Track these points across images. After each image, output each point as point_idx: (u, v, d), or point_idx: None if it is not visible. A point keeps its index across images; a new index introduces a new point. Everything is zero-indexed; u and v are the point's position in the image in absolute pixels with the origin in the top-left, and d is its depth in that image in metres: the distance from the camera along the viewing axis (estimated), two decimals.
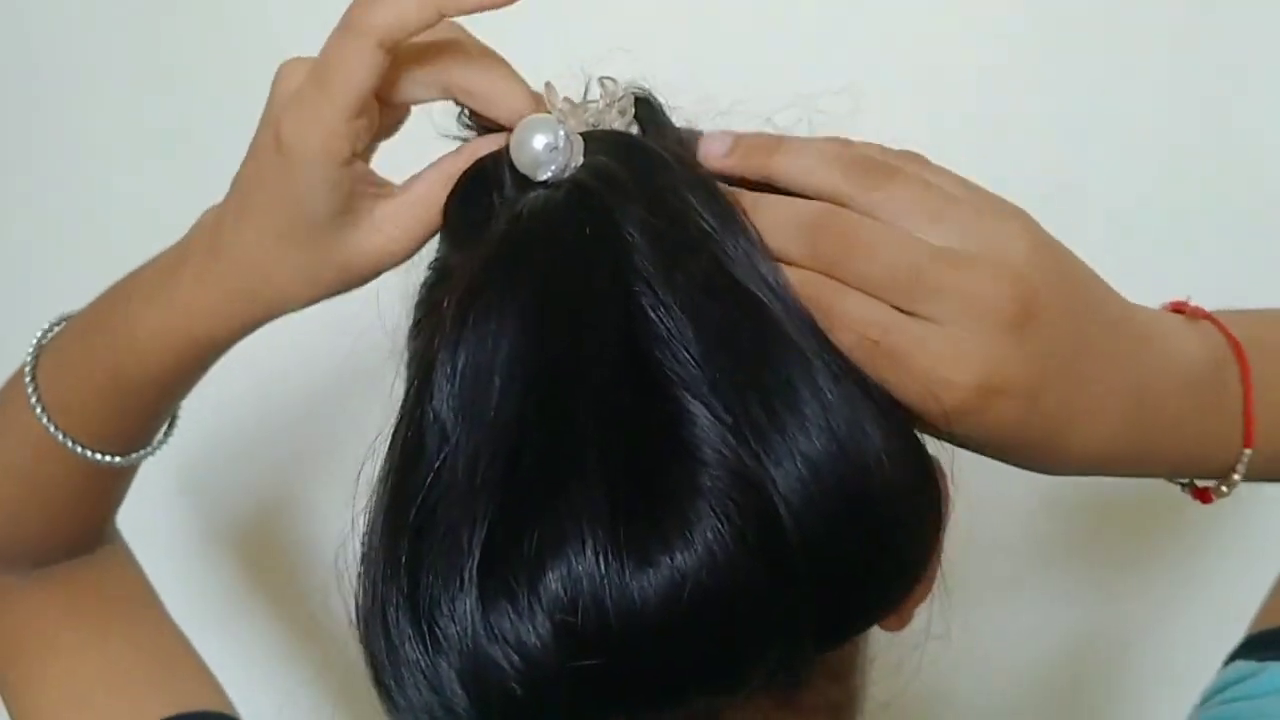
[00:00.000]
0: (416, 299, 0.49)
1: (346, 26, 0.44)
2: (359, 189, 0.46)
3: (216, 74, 0.87)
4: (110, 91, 0.90)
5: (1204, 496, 0.49)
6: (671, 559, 0.36)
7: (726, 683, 0.39)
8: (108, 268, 0.55)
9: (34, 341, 0.56)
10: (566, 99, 0.45)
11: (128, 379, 0.53)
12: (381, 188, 0.48)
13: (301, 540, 0.95)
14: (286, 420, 0.92)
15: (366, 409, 0.43)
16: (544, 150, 0.43)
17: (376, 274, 0.49)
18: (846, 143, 0.44)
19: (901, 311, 0.40)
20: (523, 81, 0.46)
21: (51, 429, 0.55)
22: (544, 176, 0.43)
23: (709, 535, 0.36)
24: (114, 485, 0.61)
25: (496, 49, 0.47)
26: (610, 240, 0.40)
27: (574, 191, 0.42)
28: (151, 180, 0.89)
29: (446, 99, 0.47)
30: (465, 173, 0.46)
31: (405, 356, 0.50)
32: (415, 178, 0.48)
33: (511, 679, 0.37)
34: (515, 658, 0.37)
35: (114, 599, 0.63)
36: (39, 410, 0.55)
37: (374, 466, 0.42)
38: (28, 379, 0.55)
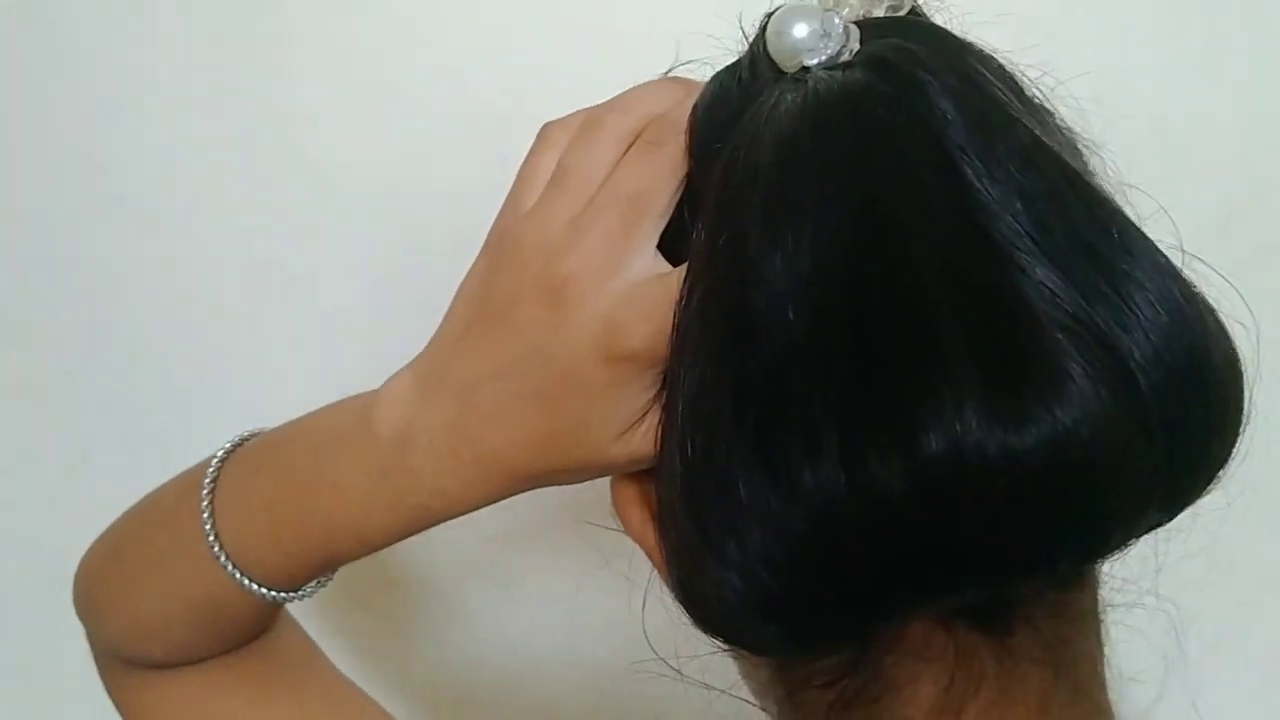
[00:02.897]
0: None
1: (654, 141, 0.44)
2: None
3: None
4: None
5: None
6: (1051, 414, 0.36)
7: (1096, 543, 0.39)
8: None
9: (206, 483, 0.52)
10: None
11: (345, 556, 0.51)
12: None
13: None
14: None
15: None
16: (809, 37, 0.41)
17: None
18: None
19: None
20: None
21: (238, 577, 0.51)
22: (811, 62, 0.41)
23: (1083, 392, 0.36)
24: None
25: None
26: (925, 113, 0.39)
27: (875, 67, 0.40)
28: None
29: None
30: (714, 77, 0.45)
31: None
32: None
33: (874, 529, 0.37)
34: (880, 507, 0.36)
35: (274, 660, 0.60)
36: (225, 563, 0.51)
37: None
38: (206, 524, 0.51)
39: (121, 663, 0.58)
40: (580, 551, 0.81)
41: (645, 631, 0.49)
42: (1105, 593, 0.45)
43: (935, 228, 0.38)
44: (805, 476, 0.37)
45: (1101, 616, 0.45)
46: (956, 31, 0.46)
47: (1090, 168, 0.45)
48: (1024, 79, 0.47)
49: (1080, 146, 0.46)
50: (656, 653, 0.49)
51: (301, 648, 0.62)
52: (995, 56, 0.43)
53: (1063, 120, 0.46)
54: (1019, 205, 0.38)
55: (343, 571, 0.54)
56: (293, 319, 0.86)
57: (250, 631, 0.57)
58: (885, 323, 0.37)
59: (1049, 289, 0.37)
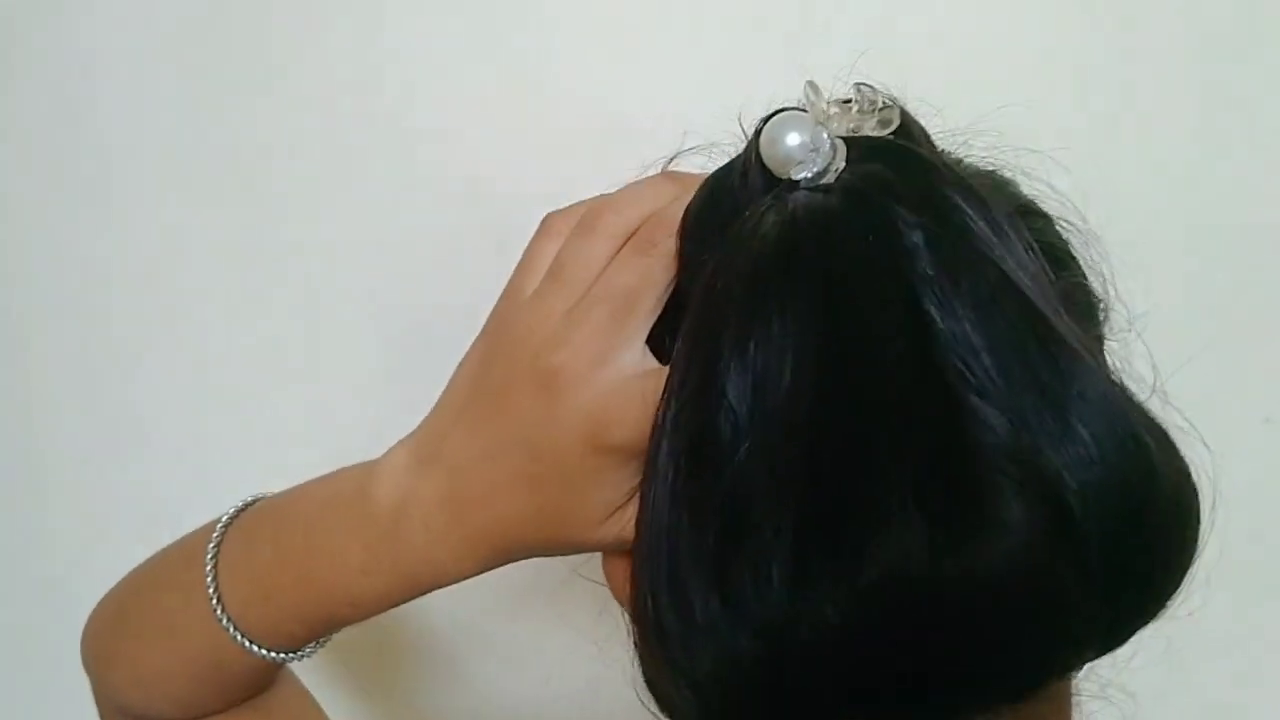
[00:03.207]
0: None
1: (646, 241, 0.46)
2: None
3: None
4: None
5: None
6: (986, 555, 0.38)
7: (1033, 678, 0.40)
8: None
9: (211, 547, 0.54)
10: (835, 101, 0.44)
11: (342, 620, 0.53)
12: None
13: None
14: None
15: None
16: (799, 149, 0.42)
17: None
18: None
19: None
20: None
21: (239, 638, 0.53)
22: (798, 176, 0.42)
23: (1018, 534, 0.38)
24: None
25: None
26: (893, 247, 0.40)
27: (851, 197, 0.42)
28: None
29: None
30: (710, 178, 0.47)
31: None
32: None
33: (817, 659, 0.39)
34: (823, 636, 0.38)
35: (274, 717, 0.62)
36: (228, 624, 0.53)
37: None
38: (210, 586, 0.53)
39: (126, 718, 0.60)
40: (574, 619, 0.82)
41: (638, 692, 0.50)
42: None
43: (892, 364, 0.39)
44: (754, 605, 0.39)
45: (1075, 695, 0.46)
46: (957, 128, 0.47)
47: (1084, 265, 0.47)
48: (1015, 185, 0.48)
49: (1072, 252, 0.47)
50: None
51: (301, 704, 0.64)
52: (978, 187, 0.43)
53: (1061, 219, 0.47)
54: (975, 342, 0.39)
55: (341, 632, 0.56)
56: (297, 390, 0.87)
57: (252, 688, 0.59)
58: (836, 458, 0.39)
59: (996, 429, 0.38)
